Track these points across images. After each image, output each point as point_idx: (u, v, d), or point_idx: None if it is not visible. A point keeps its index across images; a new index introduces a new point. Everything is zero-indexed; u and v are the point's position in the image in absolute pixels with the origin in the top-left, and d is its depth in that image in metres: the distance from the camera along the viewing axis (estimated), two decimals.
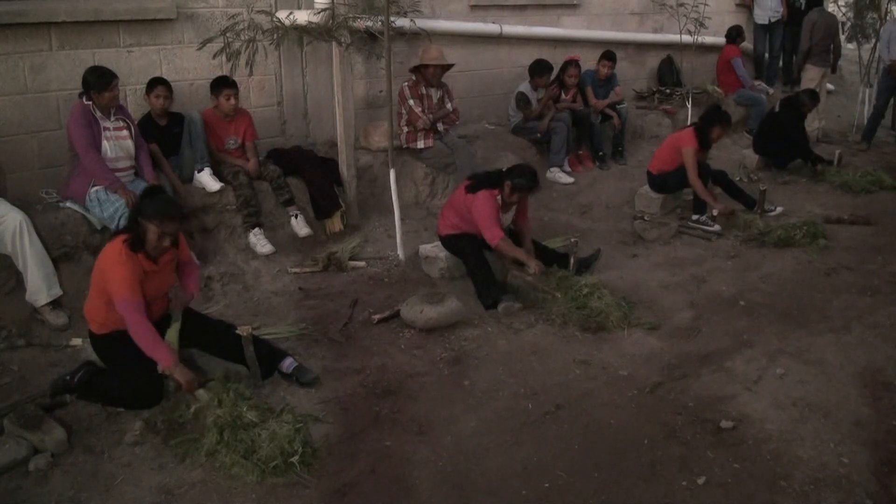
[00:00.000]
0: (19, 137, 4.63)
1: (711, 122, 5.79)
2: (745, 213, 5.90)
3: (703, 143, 5.81)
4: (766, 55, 9.47)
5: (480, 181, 4.67)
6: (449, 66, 5.91)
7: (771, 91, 9.02)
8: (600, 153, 7.23)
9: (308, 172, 5.35)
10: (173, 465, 3.02)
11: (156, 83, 4.86)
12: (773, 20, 9.23)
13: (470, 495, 2.88)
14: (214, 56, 4.83)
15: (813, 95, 7.32)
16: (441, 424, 3.31)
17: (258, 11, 5.15)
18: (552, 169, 6.77)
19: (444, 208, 4.96)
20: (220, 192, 4.93)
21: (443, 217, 4.90)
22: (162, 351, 3.19)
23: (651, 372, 3.74)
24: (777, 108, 7.28)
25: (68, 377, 3.39)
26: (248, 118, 5.20)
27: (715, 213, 5.74)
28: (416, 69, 5.85)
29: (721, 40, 8.73)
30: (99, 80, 4.24)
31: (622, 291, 4.54)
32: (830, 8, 9.03)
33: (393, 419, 3.35)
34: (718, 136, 5.85)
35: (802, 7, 9.31)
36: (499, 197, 4.63)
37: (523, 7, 7.25)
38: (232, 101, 4.99)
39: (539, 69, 6.73)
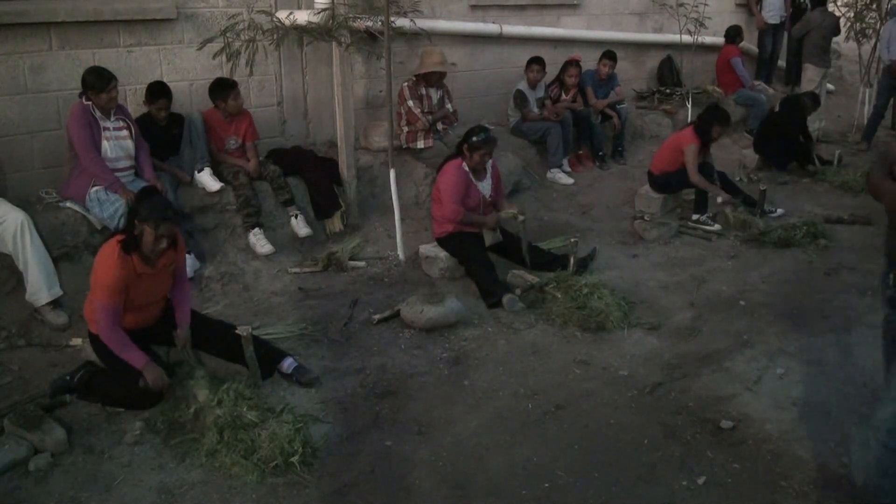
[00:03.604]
0: (19, 137, 4.63)
1: (710, 121, 5.80)
2: (745, 214, 5.89)
3: (704, 141, 5.82)
4: (769, 56, 9.48)
5: (444, 160, 4.94)
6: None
7: (771, 91, 9.02)
8: (600, 153, 7.23)
9: (308, 172, 5.35)
10: (173, 465, 3.02)
11: (158, 96, 4.84)
12: (783, 19, 9.24)
13: (470, 495, 2.88)
14: (214, 56, 4.85)
15: (814, 98, 7.33)
16: (441, 424, 3.32)
17: (258, 11, 5.16)
18: (552, 170, 6.77)
19: (432, 206, 5.01)
20: (220, 192, 4.93)
21: (433, 215, 4.97)
22: (132, 353, 3.24)
23: (651, 372, 3.74)
24: (777, 109, 7.28)
25: (68, 377, 3.40)
26: (249, 118, 5.20)
27: (720, 200, 5.77)
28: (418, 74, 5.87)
29: (721, 40, 8.73)
30: (97, 81, 4.24)
31: (622, 291, 4.54)
32: (830, 8, 9.02)
33: (393, 419, 3.35)
34: (718, 135, 5.87)
35: (807, 7, 9.31)
36: (465, 165, 4.72)
37: (523, 7, 7.25)
38: (239, 99, 5.03)
39: (529, 61, 6.75)
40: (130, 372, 3.26)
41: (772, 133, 7.19)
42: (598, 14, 7.98)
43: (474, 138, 4.69)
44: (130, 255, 3.21)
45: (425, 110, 5.87)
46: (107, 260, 3.20)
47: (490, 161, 4.89)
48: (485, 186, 4.88)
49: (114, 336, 3.23)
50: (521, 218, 4.85)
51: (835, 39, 8.86)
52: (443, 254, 4.88)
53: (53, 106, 4.71)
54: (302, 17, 5.00)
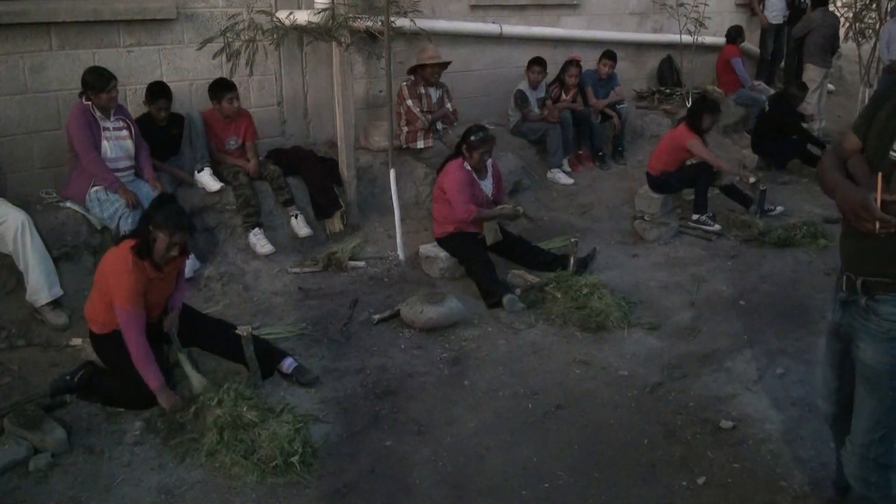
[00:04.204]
0: (19, 137, 4.63)
1: (700, 112, 5.82)
2: (745, 214, 5.90)
3: (699, 133, 5.84)
4: (771, 56, 9.49)
5: (444, 160, 4.97)
6: (447, 64, 5.92)
7: (771, 91, 9.00)
8: (600, 153, 7.23)
9: (308, 172, 5.35)
10: (173, 465, 3.02)
11: (158, 96, 4.84)
12: (785, 19, 9.24)
13: (470, 495, 2.88)
14: (214, 56, 4.85)
15: (801, 87, 7.34)
16: (441, 424, 3.32)
17: (258, 11, 5.16)
18: (552, 170, 6.77)
19: (433, 206, 5.01)
20: (220, 192, 4.92)
21: (433, 216, 4.97)
22: (151, 372, 3.22)
23: (651, 372, 3.74)
24: (767, 108, 7.27)
25: (68, 377, 3.40)
26: (249, 118, 5.20)
27: (738, 179, 5.87)
28: (414, 70, 5.86)
29: (721, 40, 8.73)
30: (97, 81, 4.24)
31: (622, 291, 4.55)
32: (830, 8, 9.02)
33: (393, 419, 3.36)
34: (710, 125, 5.88)
35: (807, 7, 9.30)
36: (466, 165, 4.72)
37: (523, 7, 7.25)
38: (234, 103, 4.99)
39: (530, 62, 6.76)
40: (131, 372, 3.26)
41: (767, 132, 7.18)
42: (598, 14, 7.98)
43: (472, 137, 4.70)
44: (143, 260, 3.22)
45: (424, 109, 5.86)
46: (120, 267, 3.20)
47: (490, 160, 4.90)
48: (487, 185, 4.89)
49: (140, 347, 3.21)
50: (520, 210, 4.91)
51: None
52: (443, 254, 4.88)
53: (53, 106, 4.71)
54: (302, 17, 5.00)
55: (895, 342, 2.13)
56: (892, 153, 2.05)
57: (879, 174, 2.02)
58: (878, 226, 1.98)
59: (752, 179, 5.86)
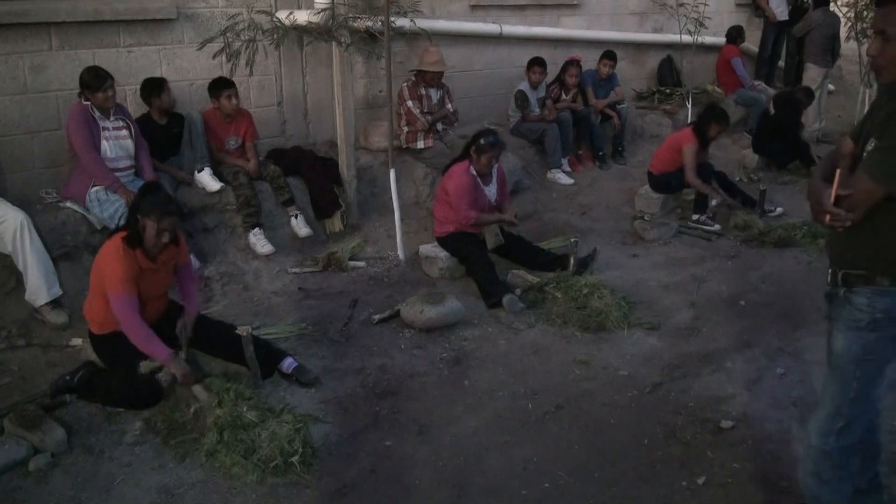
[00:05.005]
0: (19, 137, 4.63)
1: (708, 120, 5.80)
2: (746, 214, 5.90)
3: (703, 141, 5.82)
4: (770, 55, 9.48)
5: (451, 161, 4.92)
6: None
7: (771, 91, 9.00)
8: (600, 153, 7.23)
9: (308, 172, 5.35)
10: (173, 465, 3.02)
11: (162, 85, 4.85)
12: (786, 18, 9.24)
13: (470, 495, 2.88)
14: (214, 56, 4.85)
15: (808, 93, 7.33)
16: (441, 424, 3.32)
17: (258, 11, 5.16)
18: (552, 170, 6.78)
19: (434, 205, 5.01)
20: (220, 192, 4.92)
21: (435, 215, 4.97)
22: (156, 346, 3.21)
23: (651, 372, 3.74)
24: (772, 108, 7.26)
25: (68, 377, 3.39)
26: (249, 118, 5.20)
27: (714, 202, 5.76)
28: (416, 71, 5.87)
29: (721, 40, 8.73)
30: (94, 80, 4.24)
31: (622, 291, 4.54)
32: (831, 8, 9.01)
33: (393, 419, 3.36)
34: (717, 134, 5.86)
35: (808, 6, 9.30)
36: (472, 169, 4.69)
37: (523, 7, 7.26)
38: (233, 100, 4.99)
39: (531, 62, 6.76)
40: (131, 372, 3.27)
41: (769, 133, 7.18)
42: (598, 14, 7.98)
43: (482, 140, 4.67)
44: (134, 250, 3.23)
45: (425, 110, 5.87)
46: (111, 256, 3.21)
47: (497, 165, 4.87)
48: (491, 191, 4.87)
49: (137, 328, 3.21)
50: (517, 220, 4.92)
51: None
52: (443, 254, 4.88)
53: (53, 106, 4.71)
54: (302, 17, 5.00)
55: (863, 331, 2.16)
56: (865, 153, 2.12)
57: (838, 170, 2.08)
58: (827, 218, 2.03)
59: (714, 202, 5.84)
